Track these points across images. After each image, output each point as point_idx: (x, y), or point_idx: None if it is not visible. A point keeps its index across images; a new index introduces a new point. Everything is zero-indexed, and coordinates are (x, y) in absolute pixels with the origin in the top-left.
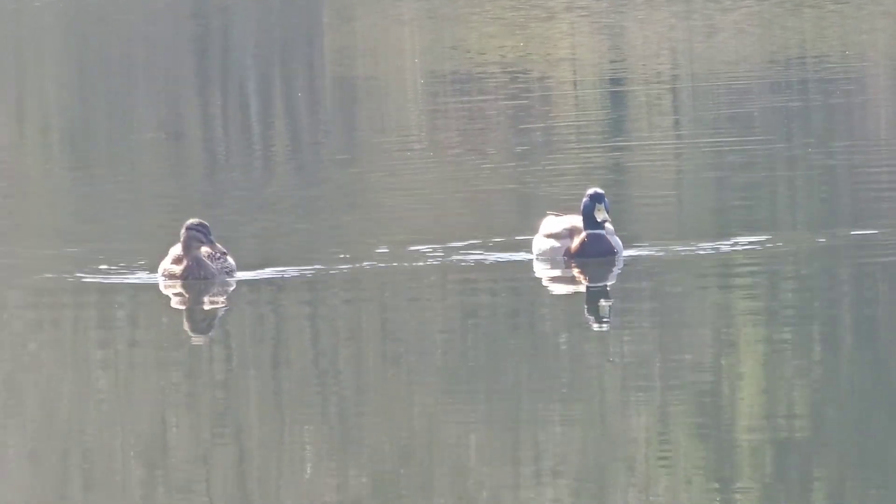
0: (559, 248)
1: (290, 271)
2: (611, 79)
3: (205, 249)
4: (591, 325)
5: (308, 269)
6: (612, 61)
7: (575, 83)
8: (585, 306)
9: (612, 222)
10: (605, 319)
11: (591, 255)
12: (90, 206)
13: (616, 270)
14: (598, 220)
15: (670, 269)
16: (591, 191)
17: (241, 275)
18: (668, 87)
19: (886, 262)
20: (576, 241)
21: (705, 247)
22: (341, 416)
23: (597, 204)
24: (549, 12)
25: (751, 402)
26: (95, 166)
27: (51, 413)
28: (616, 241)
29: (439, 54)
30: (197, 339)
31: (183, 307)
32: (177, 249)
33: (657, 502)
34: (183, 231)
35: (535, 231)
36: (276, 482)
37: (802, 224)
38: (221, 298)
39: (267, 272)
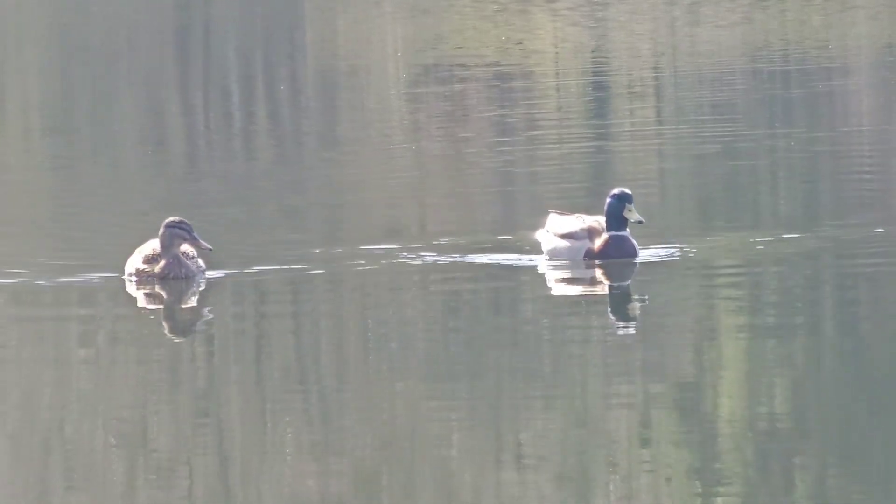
0: (579, 248)
1: (272, 268)
2: (592, 70)
3: (184, 248)
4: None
5: (290, 266)
6: (593, 52)
7: (557, 74)
8: (607, 307)
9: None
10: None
11: (615, 256)
12: (69, 200)
13: (634, 272)
14: (633, 220)
15: (656, 268)
16: (617, 191)
17: (220, 272)
18: (651, 77)
19: (867, 260)
20: (598, 242)
21: (690, 243)
22: (322, 412)
23: (626, 205)
24: (531, 4)
25: (733, 400)
26: (76, 159)
27: (30, 409)
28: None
29: (421, 46)
30: (176, 337)
31: (159, 306)
32: (145, 249)
33: (640, 498)
34: (162, 229)
35: (516, 227)
36: (257, 478)
37: (783, 218)
38: (198, 297)
39: (247, 270)
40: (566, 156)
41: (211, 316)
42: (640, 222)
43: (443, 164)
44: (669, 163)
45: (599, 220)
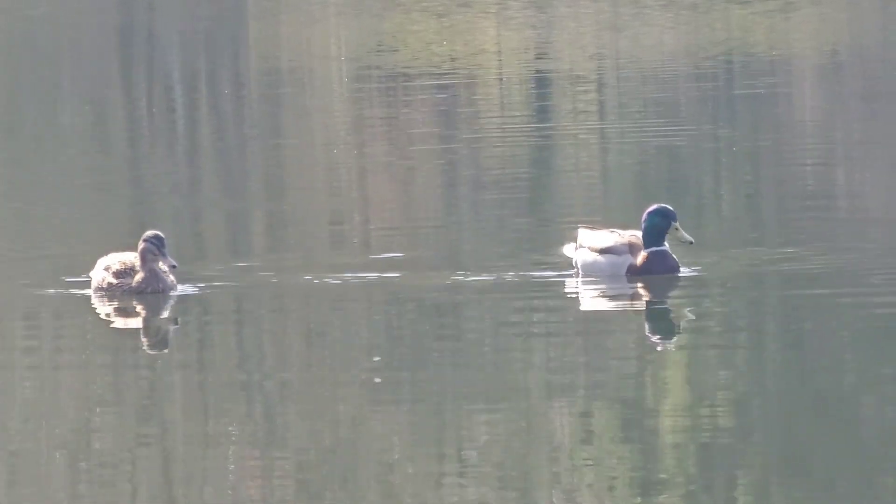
0: (621, 263)
1: (214, 280)
2: (536, 70)
3: (170, 260)
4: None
5: (236, 280)
6: (536, 52)
7: (500, 74)
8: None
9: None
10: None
11: (658, 272)
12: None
13: (677, 286)
14: (683, 240)
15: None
16: (657, 207)
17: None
18: (593, 78)
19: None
20: (640, 258)
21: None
22: (267, 417)
23: (672, 223)
24: (474, 4)
25: (675, 407)
26: (17, 163)
27: None
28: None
29: (364, 46)
30: (127, 346)
31: (111, 316)
32: (111, 262)
33: (581, 501)
34: (141, 243)
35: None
36: (201, 482)
37: (726, 231)
38: (167, 310)
39: (186, 286)
40: (508, 157)
41: (174, 327)
42: (690, 242)
43: (385, 167)
44: (611, 168)
45: (636, 235)
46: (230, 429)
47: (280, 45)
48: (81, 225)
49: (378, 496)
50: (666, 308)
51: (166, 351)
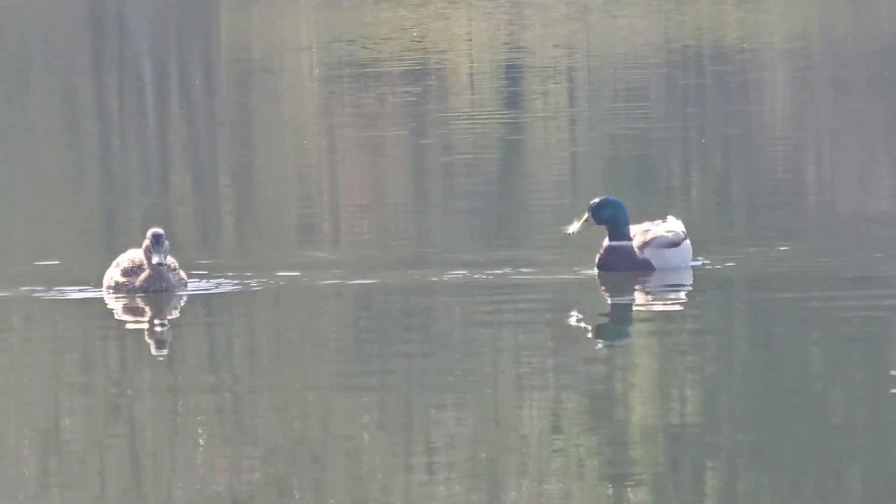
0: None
1: (187, 280)
2: (506, 62)
3: (157, 258)
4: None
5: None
6: (506, 44)
7: (471, 66)
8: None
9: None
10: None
11: (620, 268)
12: None
13: (648, 280)
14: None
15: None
16: (615, 199)
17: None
18: (564, 70)
19: (775, 269)
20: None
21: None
22: (236, 411)
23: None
24: None
25: (644, 400)
26: None
27: None
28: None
29: (336, 39)
30: (98, 342)
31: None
32: (122, 261)
33: (550, 493)
34: (145, 241)
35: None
36: (169, 475)
37: (693, 221)
38: (162, 309)
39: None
40: (480, 147)
41: (162, 328)
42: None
43: (355, 159)
44: (580, 161)
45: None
46: (199, 419)
47: (251, 35)
48: (48, 216)
49: (347, 487)
50: (635, 302)
51: (144, 349)
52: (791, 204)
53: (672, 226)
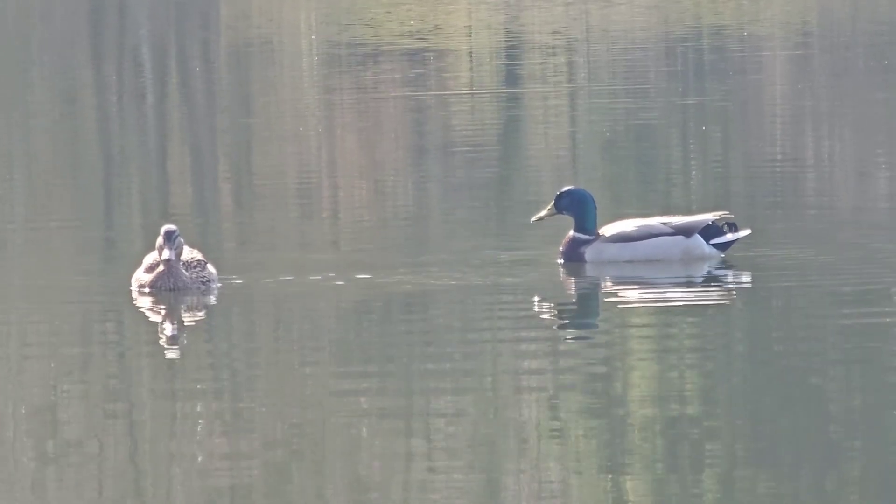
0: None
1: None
2: (506, 50)
3: (166, 253)
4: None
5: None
6: (506, 31)
7: (470, 52)
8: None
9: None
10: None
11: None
12: None
13: (641, 273)
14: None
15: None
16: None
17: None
18: (564, 56)
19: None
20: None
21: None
22: (236, 411)
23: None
24: None
25: (643, 395)
26: None
27: None
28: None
29: (335, 22)
30: (98, 333)
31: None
32: (149, 259)
33: (549, 488)
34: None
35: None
36: (168, 472)
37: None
38: (172, 307)
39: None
40: (479, 135)
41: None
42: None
43: (352, 146)
44: (580, 150)
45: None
46: (199, 418)
47: (251, 19)
48: (47, 202)
49: (346, 484)
50: (631, 295)
51: (144, 349)
52: (789, 192)
53: (678, 221)
